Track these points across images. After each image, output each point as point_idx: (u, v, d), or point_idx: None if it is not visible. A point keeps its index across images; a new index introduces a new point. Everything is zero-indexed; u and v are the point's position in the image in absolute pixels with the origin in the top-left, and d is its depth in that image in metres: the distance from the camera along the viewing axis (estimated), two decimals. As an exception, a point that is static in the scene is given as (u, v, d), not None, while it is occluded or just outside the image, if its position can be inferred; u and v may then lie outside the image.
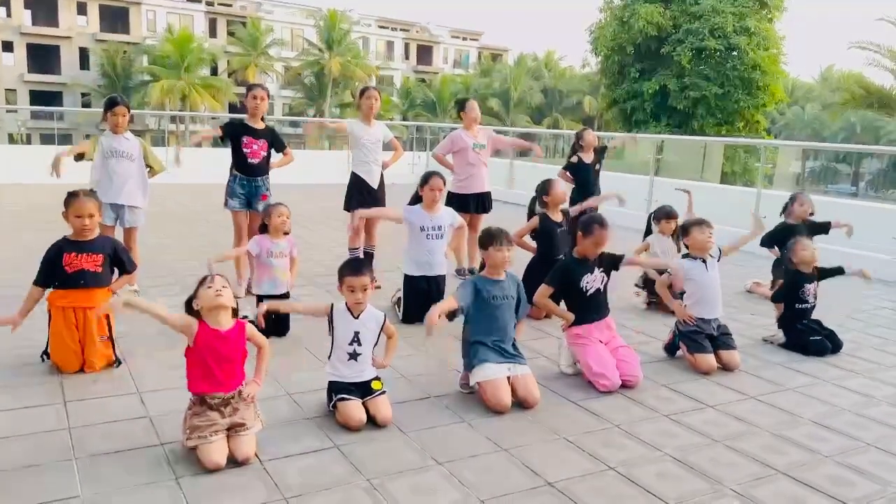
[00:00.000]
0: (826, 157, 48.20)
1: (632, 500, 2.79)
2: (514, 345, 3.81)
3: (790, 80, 50.35)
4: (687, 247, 4.65)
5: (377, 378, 3.46)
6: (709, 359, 4.31)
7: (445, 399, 3.70)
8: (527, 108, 55.72)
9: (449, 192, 6.40)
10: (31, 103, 43.90)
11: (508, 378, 3.63)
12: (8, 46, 45.07)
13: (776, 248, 6.24)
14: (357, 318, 3.42)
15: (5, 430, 3.12)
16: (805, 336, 4.80)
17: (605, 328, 4.18)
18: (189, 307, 3.05)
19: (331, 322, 3.41)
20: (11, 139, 36.62)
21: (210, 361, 2.96)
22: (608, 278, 4.24)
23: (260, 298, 4.57)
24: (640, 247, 5.88)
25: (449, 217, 5.32)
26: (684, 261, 4.59)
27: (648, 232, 6.06)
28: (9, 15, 45.00)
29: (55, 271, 3.82)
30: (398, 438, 3.22)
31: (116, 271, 4.08)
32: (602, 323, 4.17)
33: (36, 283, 3.86)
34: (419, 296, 5.07)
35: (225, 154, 5.78)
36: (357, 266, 3.45)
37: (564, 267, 4.24)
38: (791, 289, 4.93)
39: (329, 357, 3.45)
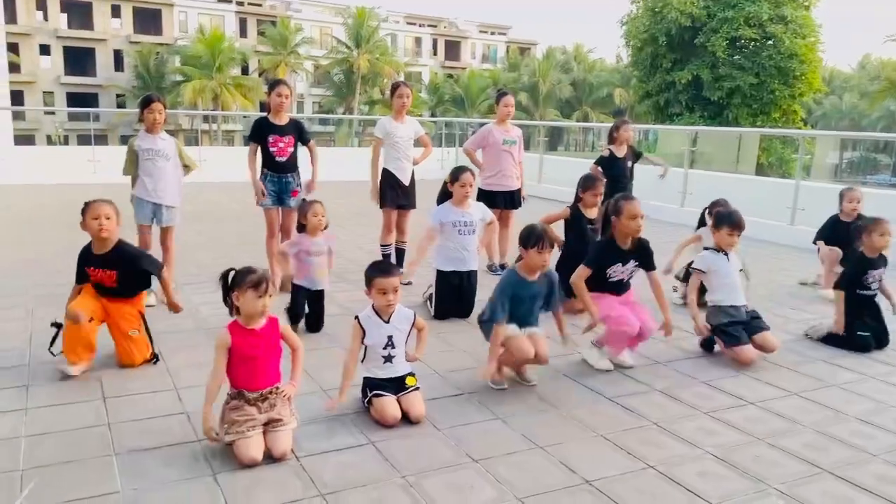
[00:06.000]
0: (865, 147, 47.05)
1: (672, 500, 2.73)
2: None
3: (827, 68, 49.23)
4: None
5: (412, 374, 3.44)
6: (748, 350, 4.23)
7: (478, 395, 3.67)
8: (556, 102, 55.39)
9: (479, 189, 6.37)
10: (68, 105, 44.93)
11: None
12: (45, 50, 46.12)
13: (823, 243, 6.06)
14: (388, 321, 3.38)
15: (46, 426, 3.17)
16: (853, 329, 4.63)
17: (627, 302, 4.22)
18: (227, 292, 3.02)
19: (362, 332, 3.35)
20: (50, 140, 37.45)
21: (246, 360, 2.96)
22: (638, 271, 4.23)
23: (297, 288, 4.60)
24: (692, 237, 5.75)
25: (479, 212, 5.28)
26: (707, 253, 4.57)
27: (702, 224, 5.90)
28: (45, 19, 46.03)
29: (83, 276, 3.93)
30: (433, 435, 3.20)
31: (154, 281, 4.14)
32: (622, 296, 4.22)
33: (77, 282, 3.96)
34: (451, 291, 5.05)
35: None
36: (386, 267, 3.41)
37: (601, 248, 4.23)
38: (855, 273, 4.73)
39: (362, 361, 3.43)
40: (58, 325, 3.84)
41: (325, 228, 4.69)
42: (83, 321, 3.73)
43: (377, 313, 3.38)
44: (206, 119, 40.49)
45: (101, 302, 3.90)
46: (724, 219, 4.52)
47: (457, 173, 5.18)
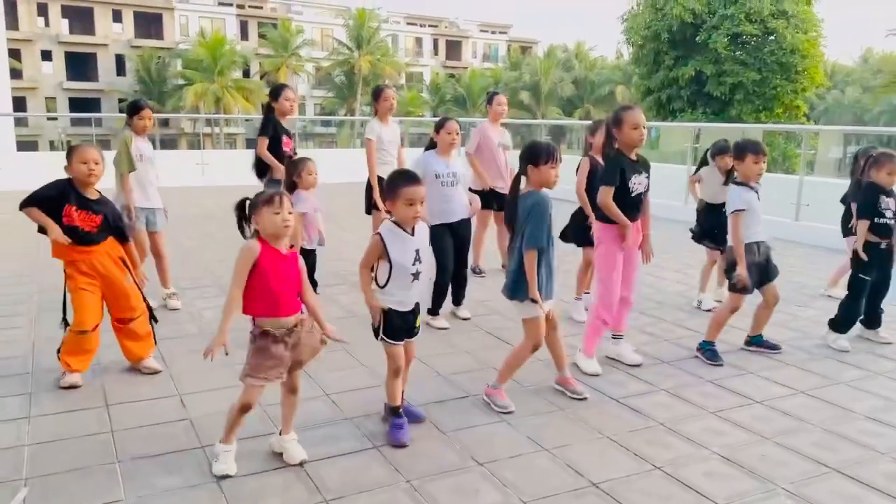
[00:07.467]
0: (868, 142, 46.84)
1: (679, 501, 2.70)
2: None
3: (829, 63, 49.06)
4: (731, 173, 4.48)
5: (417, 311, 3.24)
6: (742, 300, 4.28)
7: (482, 398, 3.64)
8: (558, 100, 55.27)
9: (469, 188, 6.29)
10: (71, 110, 44.98)
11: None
12: (47, 55, 46.21)
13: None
14: (413, 234, 3.09)
15: (50, 433, 3.16)
16: (857, 271, 4.60)
17: (635, 231, 4.13)
18: (243, 216, 2.85)
19: (385, 251, 3.04)
20: (52, 146, 37.50)
21: (272, 282, 2.79)
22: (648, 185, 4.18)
23: (307, 253, 4.55)
24: (693, 178, 5.82)
25: (463, 165, 5.01)
26: (738, 190, 4.25)
27: (704, 163, 5.78)
28: (47, 24, 46.11)
29: (51, 211, 3.68)
30: (437, 439, 3.18)
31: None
32: (635, 224, 4.12)
33: (24, 205, 3.73)
34: (444, 246, 4.84)
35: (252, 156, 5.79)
36: (413, 176, 3.07)
37: (617, 161, 4.07)
38: (871, 201, 4.56)
39: (384, 286, 3.09)
40: (65, 322, 3.77)
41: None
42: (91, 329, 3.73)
43: (402, 228, 3.07)
44: (208, 123, 40.54)
45: (89, 266, 3.73)
46: (746, 146, 4.23)
47: (443, 121, 4.99)
